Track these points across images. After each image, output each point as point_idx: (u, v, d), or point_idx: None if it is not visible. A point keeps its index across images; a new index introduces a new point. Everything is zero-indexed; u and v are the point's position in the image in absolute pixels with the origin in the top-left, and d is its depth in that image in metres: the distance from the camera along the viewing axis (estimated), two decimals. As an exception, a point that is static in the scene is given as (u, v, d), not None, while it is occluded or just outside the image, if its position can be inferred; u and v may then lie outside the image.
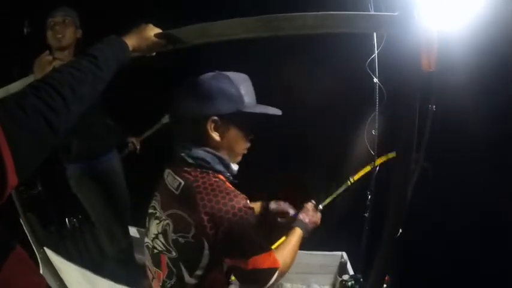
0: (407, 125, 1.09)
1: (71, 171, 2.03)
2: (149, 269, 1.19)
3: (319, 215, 1.40)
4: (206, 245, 1.01)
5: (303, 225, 1.31)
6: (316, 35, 1.08)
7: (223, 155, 1.11)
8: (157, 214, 1.13)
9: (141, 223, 2.29)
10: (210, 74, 1.10)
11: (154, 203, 1.17)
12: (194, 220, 1.01)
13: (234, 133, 1.11)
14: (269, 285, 1.07)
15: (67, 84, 0.77)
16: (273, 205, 1.45)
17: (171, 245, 1.06)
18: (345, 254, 2.06)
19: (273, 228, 1.43)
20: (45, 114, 0.71)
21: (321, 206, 1.43)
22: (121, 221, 2.12)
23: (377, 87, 1.50)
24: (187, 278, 1.06)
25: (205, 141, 1.09)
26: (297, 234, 1.27)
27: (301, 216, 1.35)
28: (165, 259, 1.10)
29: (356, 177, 1.53)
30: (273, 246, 1.42)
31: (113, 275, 1.78)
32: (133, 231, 2.39)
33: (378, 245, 1.26)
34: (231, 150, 1.13)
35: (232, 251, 1.03)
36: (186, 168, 1.08)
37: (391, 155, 1.49)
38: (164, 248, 1.09)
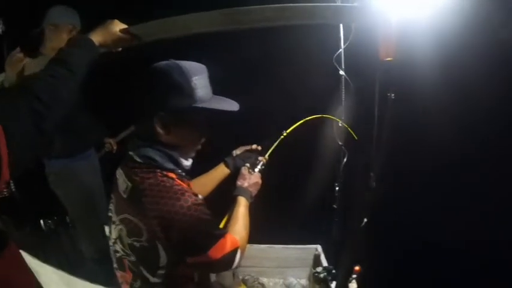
0: (366, 115, 1.10)
1: (50, 167, 1.98)
2: (117, 273, 1.15)
3: (257, 175, 1.30)
4: (160, 247, 0.97)
5: (243, 192, 1.23)
6: (277, 27, 1.07)
7: (173, 151, 1.03)
8: (113, 218, 1.08)
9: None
10: (162, 63, 1.00)
11: (111, 205, 1.11)
12: (144, 224, 0.96)
13: (184, 130, 1.03)
14: (236, 264, 1.03)
15: (47, 92, 0.86)
16: (235, 152, 1.39)
17: (128, 249, 1.02)
18: (319, 247, 2.05)
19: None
20: (33, 117, 0.81)
21: (258, 166, 1.35)
22: (98, 219, 2.06)
23: (343, 79, 1.51)
24: (152, 278, 1.02)
25: (153, 137, 1.01)
26: (241, 203, 1.19)
27: (239, 182, 1.26)
28: (127, 262, 1.06)
29: (289, 130, 1.46)
30: (222, 223, 1.30)
31: (90, 276, 1.74)
32: (109, 231, 2.35)
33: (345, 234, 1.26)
34: (182, 147, 1.05)
35: (189, 250, 0.98)
36: (134, 169, 1.01)
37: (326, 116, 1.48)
38: (123, 253, 1.05)
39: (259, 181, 1.30)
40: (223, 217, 1.26)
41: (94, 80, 1.09)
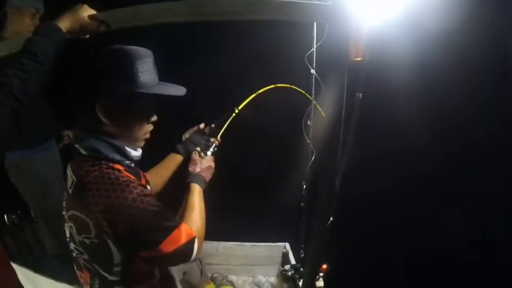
0: (334, 114, 1.08)
1: (9, 159, 1.87)
2: (77, 273, 1.10)
3: (208, 158, 1.25)
4: (110, 242, 0.92)
5: (196, 178, 1.18)
6: (245, 21, 1.04)
7: (119, 141, 0.98)
8: (65, 216, 1.03)
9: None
10: (102, 49, 0.96)
11: (64, 203, 1.06)
12: (91, 220, 0.91)
13: (128, 117, 0.98)
14: (195, 255, 0.99)
15: (23, 89, 0.86)
16: (184, 136, 1.34)
17: (80, 247, 0.97)
18: (287, 245, 2.05)
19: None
20: (12, 116, 0.83)
21: (211, 149, 1.29)
22: (60, 212, 1.97)
23: (313, 78, 1.50)
24: (109, 276, 0.98)
25: (97, 128, 0.96)
26: (195, 190, 1.14)
27: (191, 168, 1.20)
28: (81, 261, 1.02)
29: (241, 106, 1.43)
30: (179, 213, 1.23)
31: (54, 273, 1.66)
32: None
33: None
34: (128, 136, 1.00)
35: (139, 244, 0.94)
36: (80, 161, 0.97)
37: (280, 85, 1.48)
38: (77, 251, 1.00)
39: (212, 164, 1.24)
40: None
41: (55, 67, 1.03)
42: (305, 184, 1.55)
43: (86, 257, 0.98)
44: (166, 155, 1.34)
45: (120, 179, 0.92)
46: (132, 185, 0.92)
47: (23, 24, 1.72)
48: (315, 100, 1.49)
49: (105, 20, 1.03)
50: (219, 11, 1.00)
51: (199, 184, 1.16)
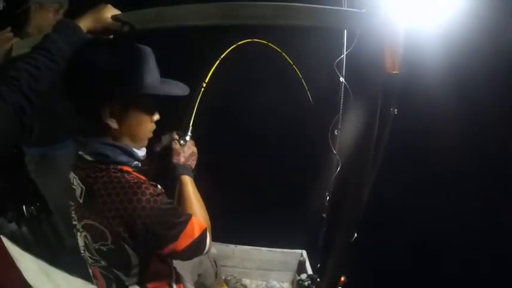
0: (366, 128, 1.02)
1: (30, 155, 1.86)
2: (93, 280, 1.08)
3: (189, 144, 1.19)
4: (128, 247, 0.90)
5: (183, 169, 1.12)
6: (278, 27, 0.98)
7: (125, 143, 0.95)
8: (77, 226, 1.00)
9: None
10: (102, 50, 0.90)
11: (72, 213, 1.02)
12: (106, 227, 0.88)
13: (135, 118, 0.94)
14: (208, 246, 0.97)
15: (32, 87, 0.83)
16: (162, 141, 1.23)
17: (96, 255, 0.95)
18: (304, 253, 2.00)
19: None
20: (18, 113, 0.81)
21: (189, 133, 1.23)
22: None
23: (343, 87, 1.44)
24: (126, 279, 0.96)
25: (102, 131, 0.92)
26: (188, 182, 1.09)
27: (175, 160, 1.14)
28: (97, 270, 1.00)
29: (207, 79, 1.33)
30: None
31: (68, 266, 1.65)
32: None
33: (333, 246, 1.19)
34: (133, 137, 0.96)
35: (158, 243, 0.91)
36: (86, 169, 0.93)
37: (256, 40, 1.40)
38: (92, 260, 0.98)
39: (195, 150, 1.19)
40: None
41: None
42: (328, 195, 1.49)
43: (103, 263, 0.96)
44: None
45: (131, 181, 0.89)
46: (143, 186, 0.89)
47: (47, 20, 1.69)
48: (343, 109, 1.43)
49: (129, 20, 1.00)
50: (252, 14, 0.95)
51: (188, 175, 1.11)
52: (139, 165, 1.00)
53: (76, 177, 0.96)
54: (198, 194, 1.08)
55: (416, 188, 2.29)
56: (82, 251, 1.02)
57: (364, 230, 1.12)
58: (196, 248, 0.95)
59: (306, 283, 1.54)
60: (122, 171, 0.92)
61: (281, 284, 2.01)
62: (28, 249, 1.80)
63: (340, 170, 1.47)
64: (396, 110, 1.02)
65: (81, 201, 0.93)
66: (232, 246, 2.04)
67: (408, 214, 2.29)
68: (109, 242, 0.89)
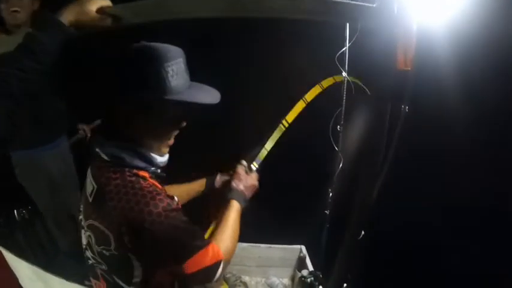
0: (377, 126, 1.00)
1: (15, 159, 1.79)
2: (92, 281, 1.02)
3: (254, 175, 1.16)
4: (132, 256, 0.84)
5: (238, 195, 1.07)
6: (287, 20, 0.93)
7: (143, 148, 0.89)
8: (82, 223, 0.94)
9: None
10: (128, 47, 0.84)
11: (81, 207, 0.97)
12: (111, 232, 0.83)
13: (155, 124, 0.88)
14: (217, 278, 0.89)
15: (19, 89, 0.81)
16: (217, 180, 1.22)
17: (98, 257, 0.90)
18: (303, 248, 1.99)
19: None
20: (7, 115, 0.80)
21: (256, 164, 1.20)
22: (71, 212, 1.90)
23: (345, 81, 1.41)
24: (127, 287, 0.90)
25: (120, 132, 0.87)
26: (234, 208, 1.04)
27: (234, 184, 1.10)
28: (99, 271, 0.94)
29: (289, 117, 1.31)
30: (209, 230, 1.17)
31: (65, 271, 1.58)
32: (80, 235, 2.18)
33: (337, 241, 1.18)
34: (153, 143, 0.91)
35: (162, 261, 0.86)
36: (101, 167, 0.88)
37: (339, 78, 1.35)
38: (94, 261, 0.93)
39: (256, 183, 1.15)
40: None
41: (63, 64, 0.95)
42: (331, 191, 1.47)
43: (104, 267, 0.91)
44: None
45: (145, 189, 0.83)
46: (158, 197, 0.83)
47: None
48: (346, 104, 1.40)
49: (118, 14, 0.91)
50: (260, 7, 0.90)
51: (239, 202, 1.07)
52: (158, 171, 0.94)
53: (90, 173, 0.90)
54: (237, 225, 1.01)
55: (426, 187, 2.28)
56: (84, 249, 0.97)
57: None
58: (203, 276, 0.87)
59: (309, 280, 1.53)
60: (137, 175, 0.86)
61: (281, 280, 1.99)
62: (22, 255, 1.73)
63: (343, 167, 1.45)
64: (407, 107, 1.00)
65: (90, 199, 0.88)
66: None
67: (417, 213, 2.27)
68: (112, 247, 0.84)
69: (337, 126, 1.45)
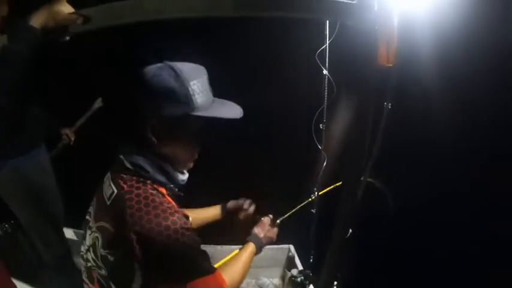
0: (360, 122, 1.00)
1: None
2: (85, 283, 1.02)
3: (275, 230, 1.28)
4: (137, 266, 0.84)
5: (256, 240, 1.19)
6: (266, 18, 0.92)
7: (165, 163, 0.93)
8: (90, 224, 0.95)
9: (78, 224, 2.02)
10: (154, 66, 0.89)
11: (90, 208, 0.99)
12: (122, 239, 0.83)
13: (179, 139, 0.92)
14: None
15: None
16: (230, 204, 1.34)
17: (100, 261, 0.89)
18: (292, 247, 2.00)
19: (239, 227, 1.32)
20: None
21: (278, 221, 1.32)
22: (53, 224, 1.83)
23: (326, 79, 1.40)
24: None
25: (145, 145, 0.90)
26: (249, 249, 1.15)
27: (256, 230, 1.22)
28: (96, 275, 0.93)
29: (320, 193, 1.45)
30: (222, 261, 1.27)
31: (52, 284, 1.61)
32: (70, 233, 2.13)
33: (325, 240, 1.19)
34: (175, 158, 0.94)
35: (167, 277, 0.86)
36: (123, 175, 0.91)
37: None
38: (94, 264, 0.92)
39: (275, 238, 1.26)
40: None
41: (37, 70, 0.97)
42: (316, 190, 1.47)
43: (103, 272, 0.90)
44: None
45: (165, 204, 0.87)
46: (176, 214, 0.86)
47: None
48: (327, 101, 1.39)
49: (90, 16, 0.88)
50: (239, 5, 0.88)
51: (256, 246, 1.17)
52: (176, 190, 0.97)
53: (110, 177, 0.94)
54: (247, 266, 1.11)
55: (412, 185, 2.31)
56: (84, 251, 0.96)
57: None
58: None
59: (299, 279, 1.53)
60: (157, 190, 0.90)
61: (271, 280, 1.99)
62: (6, 269, 1.66)
63: (328, 165, 1.45)
64: (390, 104, 1.00)
65: (108, 202, 0.89)
66: (218, 247, 1.99)
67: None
68: (119, 253, 0.85)
69: (320, 125, 1.45)
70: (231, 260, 1.09)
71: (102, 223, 0.89)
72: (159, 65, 0.90)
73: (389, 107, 0.98)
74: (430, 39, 1.03)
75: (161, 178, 0.92)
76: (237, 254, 1.12)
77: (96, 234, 0.91)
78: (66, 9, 0.89)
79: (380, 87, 0.96)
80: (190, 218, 0.94)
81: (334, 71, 1.40)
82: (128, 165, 0.91)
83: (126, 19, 0.92)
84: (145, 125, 0.88)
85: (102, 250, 0.88)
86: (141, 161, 0.90)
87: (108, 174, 0.95)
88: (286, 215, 1.36)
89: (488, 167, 2.30)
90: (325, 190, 1.46)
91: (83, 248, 0.99)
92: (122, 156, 0.92)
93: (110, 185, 0.91)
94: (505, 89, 2.05)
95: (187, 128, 0.92)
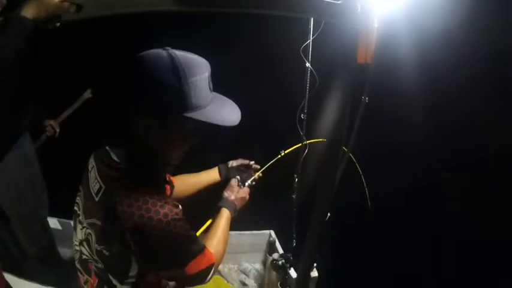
0: (338, 115, 1.08)
1: None
2: (80, 273, 1.04)
3: (246, 189, 1.27)
4: (133, 258, 0.89)
5: (228, 204, 1.18)
6: (252, 15, 0.97)
7: (153, 157, 0.91)
8: (80, 218, 0.96)
9: (63, 213, 2.00)
10: (153, 53, 0.82)
11: (77, 199, 0.99)
12: (116, 235, 0.85)
13: (169, 137, 0.89)
14: (209, 278, 1.00)
15: None
16: (231, 162, 1.36)
17: (96, 255, 0.92)
18: (273, 233, 2.08)
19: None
20: None
21: (248, 181, 1.31)
22: (38, 215, 1.83)
23: (308, 72, 1.48)
24: (119, 285, 0.94)
25: (135, 138, 0.89)
26: (224, 215, 1.14)
27: (226, 194, 1.21)
28: (93, 267, 0.96)
29: (287, 151, 1.48)
30: (200, 230, 1.32)
31: (37, 276, 1.57)
32: (54, 222, 2.10)
33: (305, 224, 1.27)
34: (166, 154, 0.93)
35: (166, 265, 0.92)
36: (110, 166, 0.88)
37: (322, 140, 1.47)
38: (90, 257, 0.95)
39: (247, 197, 1.26)
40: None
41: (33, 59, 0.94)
42: (297, 177, 1.56)
43: (100, 265, 0.93)
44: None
45: (155, 197, 0.86)
46: (167, 206, 0.86)
47: None
48: (309, 94, 1.47)
49: (82, 3, 0.88)
50: (228, 1, 0.93)
51: (229, 210, 1.16)
52: (164, 181, 1.00)
53: (96, 169, 0.91)
54: (226, 232, 1.11)
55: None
56: (77, 244, 0.97)
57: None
58: (199, 278, 0.97)
59: (280, 262, 1.61)
60: (147, 182, 0.89)
61: (253, 265, 2.08)
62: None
63: (308, 153, 1.53)
64: (367, 98, 1.09)
65: (96, 199, 0.88)
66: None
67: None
68: (114, 249, 0.87)
69: (301, 115, 1.52)
70: (210, 232, 1.08)
71: (93, 220, 0.89)
72: (159, 51, 0.82)
73: (366, 101, 1.07)
74: (408, 41, 1.12)
75: (149, 173, 0.90)
76: (214, 223, 1.10)
77: (89, 231, 0.91)
78: None
79: (358, 83, 1.05)
80: (180, 206, 0.93)
81: (317, 65, 1.47)
82: (115, 158, 0.88)
83: (117, 9, 0.95)
84: (136, 118, 0.86)
85: (96, 245, 0.90)
86: (129, 155, 0.88)
87: (94, 164, 0.93)
88: (254, 176, 1.35)
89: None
90: (289, 149, 1.49)
91: (75, 240, 0.99)
92: (108, 148, 0.90)
93: (97, 179, 0.89)
94: (482, 89, 2.18)
95: (179, 128, 0.87)
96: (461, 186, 2.50)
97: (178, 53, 0.82)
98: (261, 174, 1.38)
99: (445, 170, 2.48)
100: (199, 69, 0.83)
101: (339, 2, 0.97)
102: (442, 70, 2.06)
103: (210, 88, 0.88)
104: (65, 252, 1.94)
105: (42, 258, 1.84)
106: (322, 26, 1.38)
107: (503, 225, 2.33)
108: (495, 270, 2.26)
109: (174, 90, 0.80)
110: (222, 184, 1.29)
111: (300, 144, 1.50)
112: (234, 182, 1.26)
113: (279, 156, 1.47)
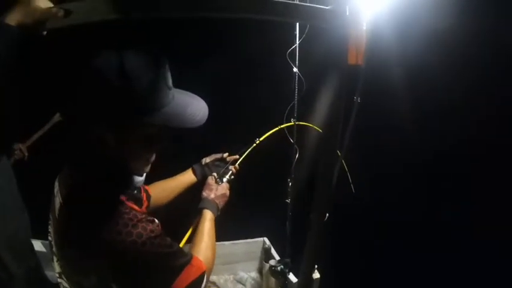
0: (331, 117, 1.10)
1: None
2: None
3: (224, 185, 1.21)
4: (115, 286, 0.81)
5: (209, 204, 1.12)
6: (238, 20, 0.98)
7: (119, 169, 0.84)
8: (54, 249, 0.88)
9: (44, 235, 1.92)
10: (102, 57, 0.75)
11: (49, 228, 0.90)
12: (91, 264, 0.78)
13: (130, 147, 0.81)
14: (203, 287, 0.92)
15: None
16: (205, 160, 1.31)
17: (76, 287, 0.86)
18: (267, 240, 2.08)
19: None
20: None
21: (227, 176, 1.26)
22: (21, 237, 1.76)
23: (296, 77, 1.51)
24: None
25: (97, 149, 0.81)
26: (207, 217, 1.07)
27: (205, 193, 1.16)
28: None
29: (262, 138, 1.46)
30: (184, 239, 1.22)
31: None
32: (38, 245, 2.02)
33: (301, 229, 1.28)
34: (132, 163, 0.85)
35: (151, 286, 0.84)
36: (73, 184, 0.81)
37: (293, 123, 1.50)
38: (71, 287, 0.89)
39: (227, 192, 1.21)
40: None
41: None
42: (290, 181, 1.57)
43: None
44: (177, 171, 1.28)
45: (125, 216, 0.77)
46: (140, 224, 0.77)
47: None
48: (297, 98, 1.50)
49: (71, 10, 0.83)
50: (216, 6, 0.91)
51: (212, 211, 1.11)
52: (135, 192, 0.91)
53: (60, 194, 0.83)
54: (212, 233, 1.04)
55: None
56: (58, 275, 0.91)
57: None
58: None
59: (279, 268, 1.61)
60: (115, 200, 0.81)
61: (248, 274, 2.06)
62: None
63: (300, 157, 1.56)
64: (359, 99, 1.12)
65: (58, 218, 0.81)
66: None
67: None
68: (93, 281, 0.80)
69: (291, 120, 1.55)
70: (195, 238, 1.01)
71: (64, 251, 0.83)
72: (108, 53, 0.75)
73: (359, 101, 1.10)
74: (395, 43, 1.17)
75: (119, 184, 0.84)
76: (198, 228, 1.04)
77: (62, 263, 0.86)
78: (44, 3, 0.83)
79: (350, 84, 1.08)
80: (156, 221, 0.86)
81: (304, 69, 1.50)
82: (76, 178, 0.83)
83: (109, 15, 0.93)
84: (89, 131, 0.79)
85: (74, 277, 0.84)
86: (93, 168, 0.82)
87: (56, 183, 0.87)
88: (229, 169, 1.32)
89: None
90: (266, 135, 1.47)
91: (55, 271, 0.92)
92: (68, 168, 0.85)
93: (59, 197, 0.83)
94: (473, 90, 2.29)
95: (137, 137, 0.80)
96: (454, 189, 2.60)
97: (130, 52, 0.75)
98: (237, 167, 1.35)
99: (436, 170, 2.58)
100: (154, 66, 0.76)
101: (328, 8, 1.01)
102: (430, 70, 2.16)
103: (168, 85, 0.79)
104: (51, 274, 1.84)
105: (29, 279, 1.77)
106: (307, 30, 1.42)
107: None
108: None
109: (123, 95, 0.72)
110: (201, 184, 1.25)
111: (277, 128, 1.49)
112: (210, 179, 1.21)
113: (254, 144, 1.43)
